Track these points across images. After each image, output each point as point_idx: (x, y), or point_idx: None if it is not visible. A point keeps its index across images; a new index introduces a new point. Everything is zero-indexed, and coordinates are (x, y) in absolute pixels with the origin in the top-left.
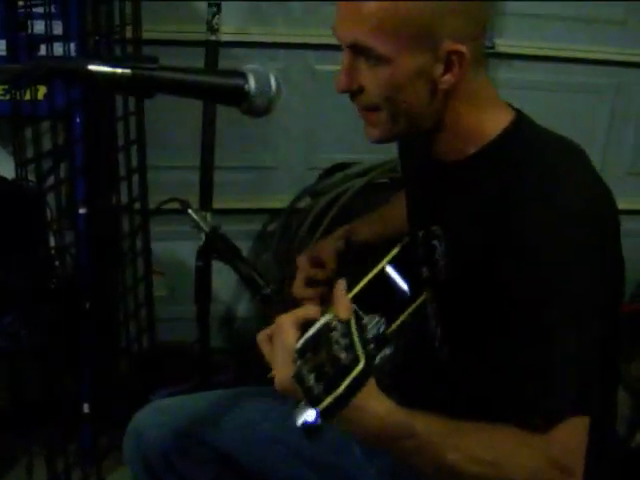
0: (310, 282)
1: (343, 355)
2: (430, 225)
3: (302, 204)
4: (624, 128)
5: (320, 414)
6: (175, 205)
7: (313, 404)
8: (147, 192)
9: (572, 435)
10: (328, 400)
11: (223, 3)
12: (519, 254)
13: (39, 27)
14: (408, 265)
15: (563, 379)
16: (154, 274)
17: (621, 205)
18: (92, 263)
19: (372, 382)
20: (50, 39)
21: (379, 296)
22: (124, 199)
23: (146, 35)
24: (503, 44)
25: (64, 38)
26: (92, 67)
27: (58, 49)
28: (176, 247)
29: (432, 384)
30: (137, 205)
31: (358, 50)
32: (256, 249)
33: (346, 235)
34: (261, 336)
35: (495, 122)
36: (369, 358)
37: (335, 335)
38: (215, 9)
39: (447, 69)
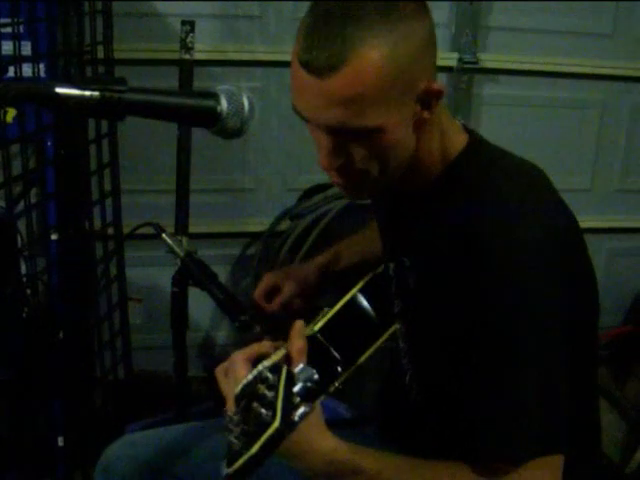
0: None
1: (263, 411)
2: (401, 257)
3: (282, 227)
4: (612, 144)
5: (233, 474)
6: (150, 230)
7: (230, 462)
8: (121, 216)
9: (544, 475)
10: (240, 461)
11: (197, 20)
12: (481, 294)
13: (7, 47)
14: (379, 296)
15: (527, 421)
16: (129, 301)
17: (610, 224)
18: (65, 290)
19: (318, 419)
20: (19, 60)
21: (348, 326)
22: (97, 224)
23: (118, 55)
24: (487, 59)
25: (33, 59)
26: (60, 90)
27: (27, 70)
28: (151, 273)
29: (405, 421)
30: (111, 230)
31: (342, 132)
32: (235, 274)
33: (325, 265)
34: (218, 370)
35: (453, 145)
36: (287, 415)
37: (262, 389)
38: (189, 27)
39: (425, 106)
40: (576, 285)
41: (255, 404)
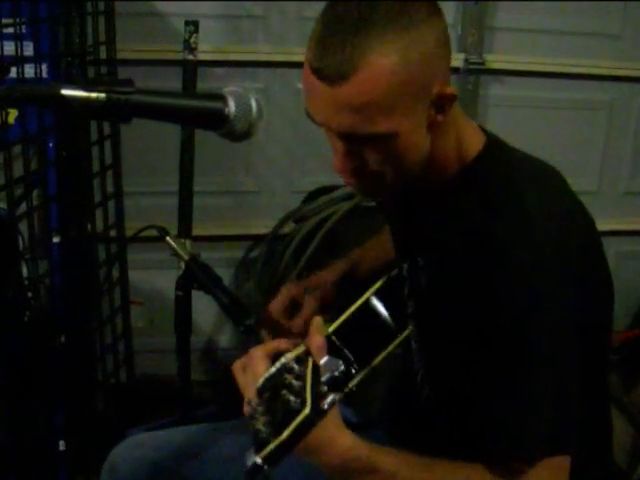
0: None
1: (292, 399)
2: (414, 256)
3: (286, 229)
4: (620, 146)
5: (263, 460)
6: (153, 232)
7: (258, 448)
8: (124, 219)
9: (551, 476)
10: (271, 447)
11: (201, 21)
12: (494, 294)
13: (9, 48)
14: (393, 298)
15: (538, 422)
16: (132, 304)
17: (617, 226)
18: (67, 294)
19: (336, 415)
20: (21, 60)
21: (363, 329)
22: (100, 227)
23: (121, 55)
24: (493, 60)
25: (35, 59)
26: (65, 92)
27: (29, 71)
28: (154, 276)
29: (415, 421)
30: (113, 233)
31: (354, 137)
32: (238, 277)
33: (351, 267)
34: (236, 365)
35: (469, 146)
36: (316, 403)
37: (289, 378)
38: (192, 27)
39: (438, 110)
40: (591, 287)
41: (284, 391)
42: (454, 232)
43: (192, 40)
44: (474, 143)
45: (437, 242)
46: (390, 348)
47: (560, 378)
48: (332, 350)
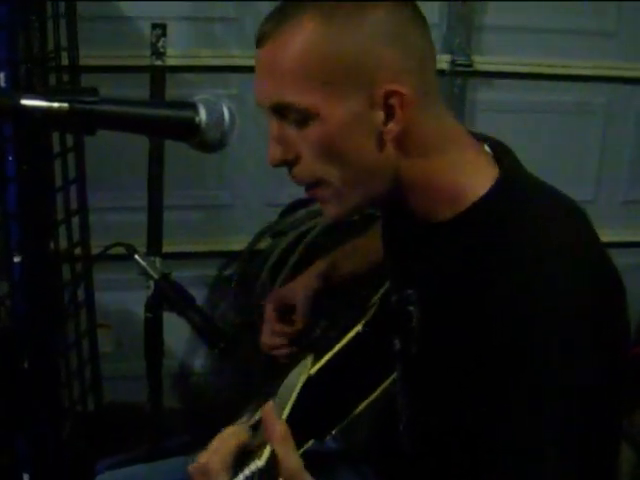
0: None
1: None
2: (405, 288)
3: (262, 245)
4: (618, 151)
5: None
6: (120, 250)
7: None
8: (89, 236)
9: None
10: None
11: (169, 24)
12: (503, 336)
13: None
14: (382, 333)
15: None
16: (99, 327)
17: (616, 238)
18: (30, 317)
19: None
20: None
21: (347, 370)
22: (63, 245)
23: (84, 61)
24: (482, 61)
25: None
26: (25, 102)
27: None
28: (123, 297)
29: (400, 463)
30: (78, 251)
31: (281, 113)
32: (212, 297)
33: (324, 273)
34: (192, 471)
35: (474, 180)
36: None
37: None
38: (160, 30)
39: (388, 116)
40: (611, 350)
41: None
42: (453, 267)
43: (160, 44)
44: (481, 177)
45: (432, 275)
46: (376, 394)
47: (584, 446)
48: (314, 394)
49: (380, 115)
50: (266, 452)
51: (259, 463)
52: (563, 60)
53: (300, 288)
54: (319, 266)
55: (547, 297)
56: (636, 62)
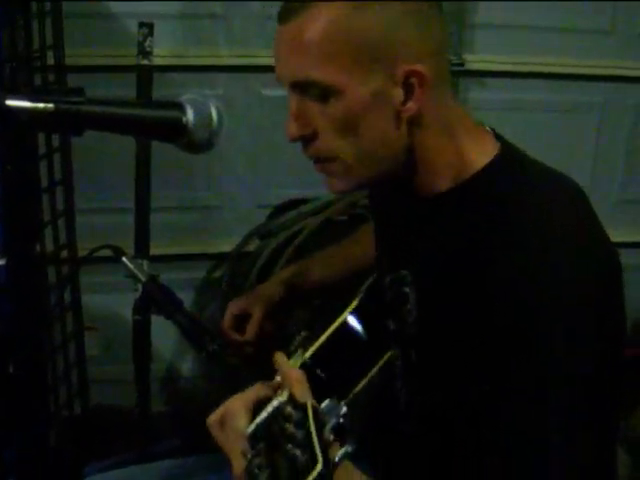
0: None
1: (299, 453)
2: (399, 269)
3: (251, 247)
4: (613, 150)
5: None
6: (108, 252)
7: None
8: (75, 238)
9: None
10: None
11: (156, 22)
12: (502, 317)
13: None
14: (372, 316)
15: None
16: (86, 330)
17: (612, 238)
18: (15, 319)
19: (347, 463)
20: None
21: (341, 353)
22: (50, 247)
23: (70, 61)
24: (474, 60)
25: None
26: (10, 102)
27: None
28: (110, 300)
29: (396, 453)
30: (64, 253)
31: (302, 89)
32: (201, 299)
33: (291, 280)
34: (211, 421)
35: (476, 154)
36: (326, 457)
37: (290, 427)
38: (147, 29)
39: (407, 94)
40: (612, 339)
41: (289, 446)
42: (451, 244)
43: (147, 43)
44: (483, 152)
45: (430, 253)
46: (371, 374)
47: (586, 430)
48: (309, 379)
49: (400, 94)
50: (285, 393)
51: (281, 398)
52: (557, 58)
53: (258, 297)
54: (284, 273)
55: (552, 286)
56: (631, 60)
